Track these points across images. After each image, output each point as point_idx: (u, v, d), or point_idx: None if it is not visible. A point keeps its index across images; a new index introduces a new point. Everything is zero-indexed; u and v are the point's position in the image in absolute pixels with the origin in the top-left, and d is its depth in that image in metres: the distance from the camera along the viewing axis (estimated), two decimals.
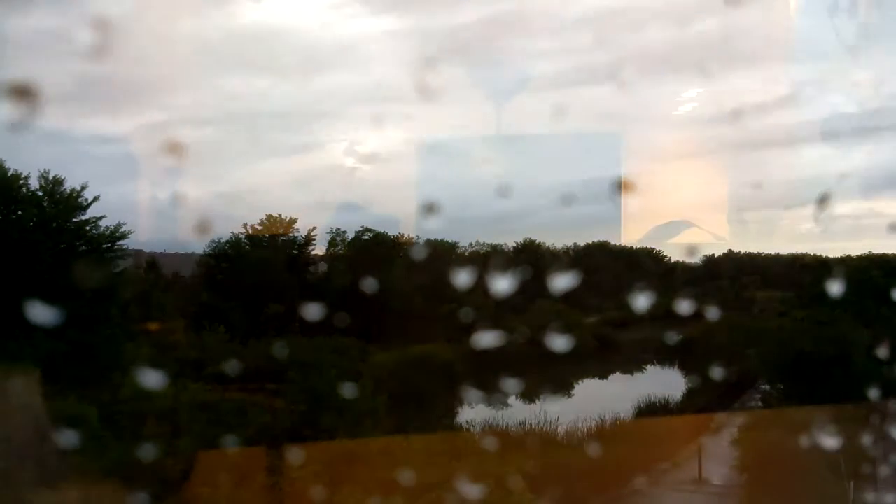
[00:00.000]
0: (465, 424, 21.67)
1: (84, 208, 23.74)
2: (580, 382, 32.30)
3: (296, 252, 36.34)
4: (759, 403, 24.51)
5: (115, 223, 24.36)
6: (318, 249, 37.56)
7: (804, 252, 41.61)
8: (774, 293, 48.31)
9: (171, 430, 15.37)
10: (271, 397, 19.18)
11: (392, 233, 37.52)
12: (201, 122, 39.72)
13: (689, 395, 27.57)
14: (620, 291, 42.06)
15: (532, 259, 42.97)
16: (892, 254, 32.42)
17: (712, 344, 32.55)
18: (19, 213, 21.79)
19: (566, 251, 48.95)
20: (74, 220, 23.43)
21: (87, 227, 23.80)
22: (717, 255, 49.50)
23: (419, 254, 38.26)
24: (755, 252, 48.83)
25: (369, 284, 34.10)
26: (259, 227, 35.70)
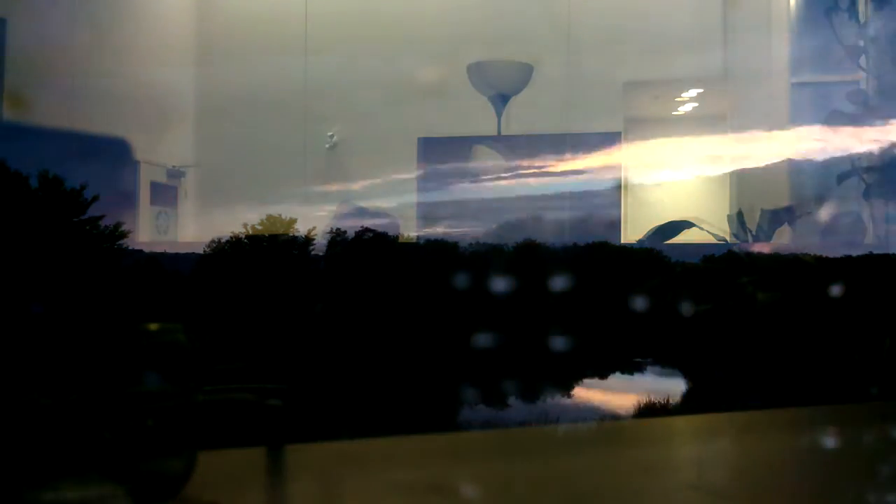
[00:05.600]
0: (464, 424, 21.69)
1: (84, 208, 23.80)
2: (580, 382, 32.38)
3: (296, 252, 36.44)
4: (759, 403, 24.63)
5: (114, 223, 24.44)
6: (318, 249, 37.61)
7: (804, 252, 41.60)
8: (774, 293, 48.44)
9: (172, 430, 15.40)
10: (271, 397, 19.26)
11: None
12: None
13: (690, 395, 27.68)
14: (620, 291, 42.22)
15: (532, 259, 43.09)
16: (893, 254, 32.48)
17: (712, 344, 32.60)
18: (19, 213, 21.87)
19: (566, 251, 49.05)
20: (74, 220, 23.49)
21: (87, 227, 23.85)
22: (716, 256, 49.62)
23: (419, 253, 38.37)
24: (755, 252, 48.98)
25: (369, 285, 34.19)
26: (259, 227, 35.79)
